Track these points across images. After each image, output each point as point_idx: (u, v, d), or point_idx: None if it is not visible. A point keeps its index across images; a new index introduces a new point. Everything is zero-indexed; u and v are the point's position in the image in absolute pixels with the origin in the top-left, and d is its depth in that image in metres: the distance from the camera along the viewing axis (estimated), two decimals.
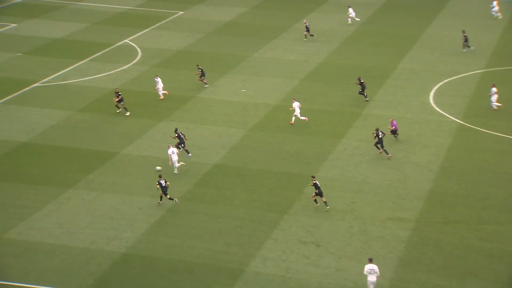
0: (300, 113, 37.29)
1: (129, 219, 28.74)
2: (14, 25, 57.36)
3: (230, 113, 39.03)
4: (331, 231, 27.58)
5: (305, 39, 51.54)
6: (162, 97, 41.24)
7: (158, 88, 41.25)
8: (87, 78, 44.88)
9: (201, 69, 43.10)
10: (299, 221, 28.25)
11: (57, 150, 35.02)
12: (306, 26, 51.99)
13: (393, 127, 34.71)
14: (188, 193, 30.86)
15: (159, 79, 41.53)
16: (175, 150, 32.82)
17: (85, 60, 48.48)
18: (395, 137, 35.01)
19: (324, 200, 29.35)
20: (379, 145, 33.61)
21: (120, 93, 39.30)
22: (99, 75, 45.44)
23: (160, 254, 26.31)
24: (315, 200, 29.47)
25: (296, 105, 37.35)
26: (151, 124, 38.03)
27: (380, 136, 33.50)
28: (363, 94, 40.02)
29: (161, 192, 29.54)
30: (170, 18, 58.61)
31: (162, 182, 29.75)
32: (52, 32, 55.26)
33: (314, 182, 29.27)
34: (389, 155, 33.61)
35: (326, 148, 34.73)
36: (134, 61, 48.36)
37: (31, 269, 25.34)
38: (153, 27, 56.35)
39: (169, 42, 52.32)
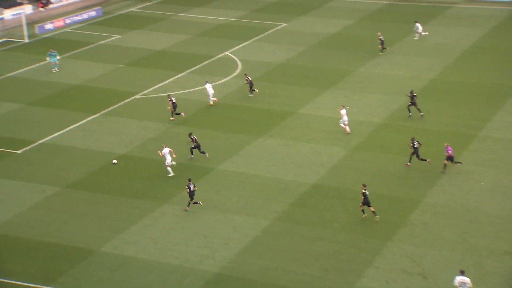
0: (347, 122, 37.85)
1: (223, 238, 28.87)
2: (117, 36, 59.46)
3: (332, 131, 38.73)
4: (440, 262, 26.64)
5: (381, 53, 51.34)
6: (211, 103, 42.24)
7: (208, 94, 42.34)
8: (186, 91, 45.59)
9: (249, 79, 43.57)
10: (404, 250, 27.51)
11: (154, 164, 35.49)
12: (381, 39, 51.63)
13: (448, 152, 33.33)
14: (284, 213, 30.64)
15: (209, 85, 42.53)
16: (169, 150, 33.51)
17: (185, 72, 49.42)
18: (455, 163, 33.74)
19: (373, 209, 29.13)
20: (413, 155, 33.40)
21: (173, 99, 40.38)
22: (198, 88, 46.08)
23: (254, 276, 26.25)
24: (362, 211, 29.45)
25: (344, 112, 37.90)
26: (249, 140, 38.23)
27: (415, 146, 33.22)
28: (417, 109, 39.83)
29: (189, 197, 30.10)
30: (273, 30, 59.28)
31: (191, 186, 30.36)
32: (154, 44, 56.80)
33: (364, 191, 29.09)
34: (408, 163, 33.52)
35: (436, 171, 33.89)
36: (234, 74, 48.88)
37: (125, 285, 25.86)
38: (254, 39, 56.94)
39: (270, 55, 52.85)
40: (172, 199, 32.10)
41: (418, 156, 33.48)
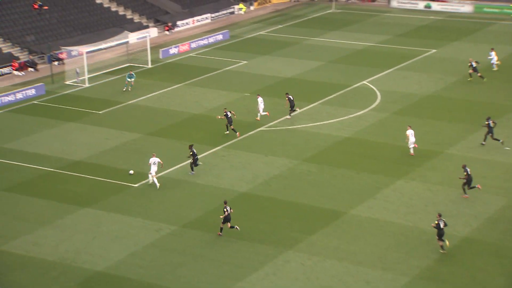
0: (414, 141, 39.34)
1: None
2: (244, 62, 60.77)
3: (489, 176, 37.25)
4: None
5: (469, 78, 50.86)
6: (258, 118, 45.13)
7: (259, 109, 45.18)
8: (316, 124, 45.58)
9: (290, 97, 45.31)
10: None
11: (277, 204, 35.32)
12: (472, 65, 51.25)
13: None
14: (427, 270, 29.40)
15: (261, 99, 45.47)
16: (156, 161, 35.94)
17: (316, 103, 49.49)
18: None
19: (442, 243, 29.89)
20: (465, 187, 34.56)
21: (229, 113, 42.94)
22: (330, 121, 45.94)
23: None
24: (441, 246, 30.17)
25: (410, 133, 39.76)
26: (387, 182, 37.49)
27: (469, 172, 34.31)
28: (497, 140, 40.39)
29: (222, 221, 30.91)
30: (419, 57, 58.67)
31: (228, 208, 31.09)
32: (283, 70, 57.75)
33: (438, 221, 30.10)
34: (467, 195, 34.65)
35: None
36: (372, 106, 48.49)
37: None
38: (397, 67, 56.47)
39: (416, 86, 52.06)
40: (297, 245, 31.43)
41: (469, 186, 34.74)
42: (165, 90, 53.76)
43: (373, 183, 37.30)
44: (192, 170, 38.40)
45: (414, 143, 40.03)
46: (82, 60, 56.95)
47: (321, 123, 45.73)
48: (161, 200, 36.00)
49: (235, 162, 40.42)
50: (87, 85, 55.72)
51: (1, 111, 50.16)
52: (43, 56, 62.78)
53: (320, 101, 49.73)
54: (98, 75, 58.04)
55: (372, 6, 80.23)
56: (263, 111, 45.47)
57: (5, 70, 59.43)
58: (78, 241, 32.41)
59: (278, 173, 38.69)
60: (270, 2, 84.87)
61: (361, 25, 70.86)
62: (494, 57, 54.11)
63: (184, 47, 65.39)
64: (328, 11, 78.45)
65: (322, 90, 52.06)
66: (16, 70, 59.63)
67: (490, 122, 40.09)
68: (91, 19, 69.78)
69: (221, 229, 32.03)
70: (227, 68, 59.11)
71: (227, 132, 43.34)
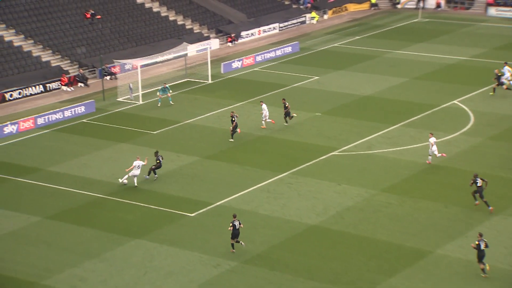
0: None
1: None
2: (315, 77, 61.42)
3: None
4: None
5: (491, 93, 52.04)
6: (264, 126, 48.55)
7: (263, 116, 48.47)
8: (398, 148, 45.32)
9: (286, 105, 48.55)
10: None
11: (351, 239, 34.97)
12: (498, 76, 52.53)
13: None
14: None
15: (264, 106, 48.83)
16: (141, 164, 39.84)
17: (397, 125, 49.38)
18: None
19: (483, 266, 30.73)
20: (476, 195, 36.61)
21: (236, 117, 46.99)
22: (413, 145, 45.70)
23: None
24: (482, 270, 30.93)
25: (432, 140, 41.45)
26: (481, 218, 36.75)
27: (478, 184, 36.22)
28: None
29: (232, 236, 32.60)
30: None
31: (236, 223, 32.79)
32: (360, 87, 57.97)
33: (478, 241, 31.02)
34: (491, 207, 36.73)
35: None
36: (463, 130, 48.15)
37: None
38: (493, 84, 55.45)
39: None
40: (375, 287, 30.94)
41: (482, 196, 36.89)
42: (226, 108, 54.25)
43: (464, 218, 36.60)
44: (148, 175, 41.38)
45: (440, 153, 41.71)
46: (136, 74, 57.69)
47: (403, 148, 45.56)
48: (220, 232, 35.66)
49: (303, 191, 40.11)
50: (140, 102, 56.52)
51: (48, 130, 50.88)
52: (94, 70, 63.63)
53: (403, 123, 49.66)
54: (153, 91, 58.45)
55: (466, 14, 79.35)
56: (268, 118, 48.89)
57: (54, 85, 60.47)
58: (128, 277, 32.36)
59: (352, 204, 38.32)
60: (346, 10, 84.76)
61: (452, 36, 70.50)
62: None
63: (248, 61, 66.06)
64: (414, 20, 78.16)
65: (405, 110, 51.97)
66: (65, 85, 60.64)
67: None
68: (147, 29, 70.63)
69: (233, 245, 33.45)
70: (296, 85, 59.59)
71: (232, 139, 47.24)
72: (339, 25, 78.41)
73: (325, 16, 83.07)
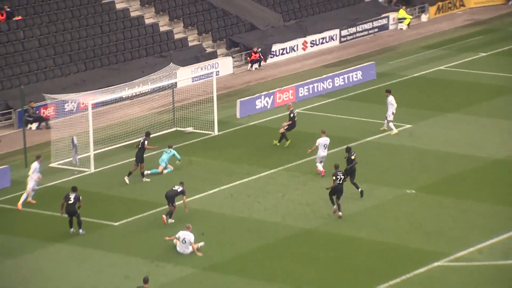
0: None
1: None
2: (405, 125, 62.63)
3: None
4: None
5: None
6: (384, 126, 55.72)
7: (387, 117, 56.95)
8: None
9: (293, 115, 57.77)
10: None
11: None
12: None
13: None
14: None
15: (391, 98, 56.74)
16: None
17: None
18: None
19: None
20: None
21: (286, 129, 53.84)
22: None
23: None
24: None
25: None
26: None
27: None
28: None
29: None
30: None
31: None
32: (483, 145, 59.28)
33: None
34: None
35: None
36: None
37: None
38: None
39: None
40: None
41: None
42: (245, 180, 55.56)
43: None
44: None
45: None
46: (84, 121, 58.15)
47: None
48: None
49: None
50: (92, 170, 57.48)
51: None
52: (8, 113, 64.23)
53: None
54: (115, 149, 59.83)
55: None
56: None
57: None
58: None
59: None
60: (462, 6, 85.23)
61: None
62: None
63: (284, 96, 66.65)
64: None
65: None
66: None
67: None
68: (106, 40, 71.72)
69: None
70: (371, 138, 60.70)
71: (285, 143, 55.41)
72: (449, 33, 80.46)
73: (424, 17, 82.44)
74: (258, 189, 54.35)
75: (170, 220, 50.16)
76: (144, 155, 54.81)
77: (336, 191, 50.33)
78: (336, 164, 50.08)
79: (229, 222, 51.20)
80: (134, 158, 54.89)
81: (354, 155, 52.90)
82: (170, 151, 56.52)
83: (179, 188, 51.38)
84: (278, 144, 59.24)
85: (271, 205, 52.50)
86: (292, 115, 59.03)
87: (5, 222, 51.48)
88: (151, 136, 57.30)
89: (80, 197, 48.88)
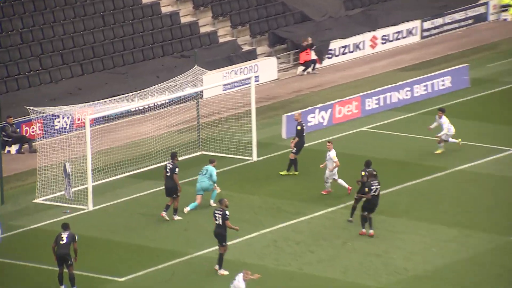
0: None
1: None
2: (508, 150, 63.33)
3: None
4: None
5: None
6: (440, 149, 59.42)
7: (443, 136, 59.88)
8: None
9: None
10: None
11: None
12: None
13: None
14: None
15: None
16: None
17: None
18: None
19: None
20: None
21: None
22: None
23: None
24: None
25: None
26: None
27: None
28: None
29: None
30: None
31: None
32: None
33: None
34: None
35: None
36: None
37: None
38: None
39: None
40: None
41: None
42: (292, 222, 55.97)
43: None
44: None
45: None
46: (80, 141, 59.16)
47: None
48: None
49: None
50: (90, 207, 58.02)
51: None
52: None
53: None
54: (120, 179, 60.87)
55: None
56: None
57: None
58: None
59: None
60: None
61: None
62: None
63: (345, 110, 67.98)
64: None
65: None
66: None
67: None
68: (110, 34, 73.86)
69: None
70: (463, 167, 61.37)
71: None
72: None
73: None
74: (310, 234, 54.37)
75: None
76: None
77: (371, 205, 51.82)
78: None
79: (271, 278, 50.89)
80: (164, 189, 55.11)
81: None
82: (206, 171, 56.91)
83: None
84: (289, 173, 60.56)
85: (327, 256, 52.40)
86: (299, 127, 59.88)
87: None
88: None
89: (76, 236, 48.38)
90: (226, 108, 67.24)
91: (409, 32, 77.44)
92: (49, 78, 67.48)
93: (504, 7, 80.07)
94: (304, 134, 60.10)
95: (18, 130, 63.12)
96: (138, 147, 63.23)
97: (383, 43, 76.72)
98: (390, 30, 77.17)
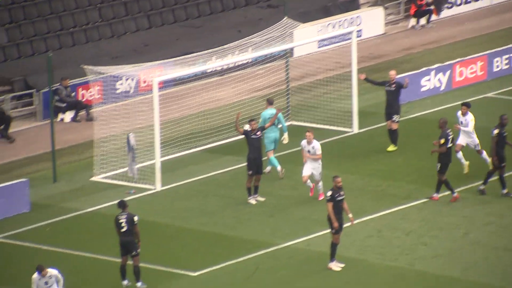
0: None
1: None
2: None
3: None
4: None
5: None
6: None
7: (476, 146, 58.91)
8: None
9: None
10: None
11: None
12: None
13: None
14: None
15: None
16: None
17: None
18: None
19: None
20: None
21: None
22: None
23: None
24: None
25: None
26: None
27: None
28: None
29: None
30: None
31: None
32: None
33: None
34: None
35: None
36: None
37: None
38: None
39: None
40: None
41: None
42: (400, 208, 57.02)
43: None
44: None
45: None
46: (146, 108, 60.86)
47: None
48: None
49: None
50: (158, 187, 59.38)
51: None
52: (29, 95, 67.36)
53: None
54: (194, 154, 62.15)
55: None
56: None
57: None
58: None
59: None
60: None
61: None
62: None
63: (467, 72, 69.60)
64: None
65: None
66: None
67: None
68: None
69: None
70: None
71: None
72: None
73: None
74: (423, 222, 54.79)
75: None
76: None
77: (445, 161, 53.47)
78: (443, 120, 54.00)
79: (375, 274, 51.58)
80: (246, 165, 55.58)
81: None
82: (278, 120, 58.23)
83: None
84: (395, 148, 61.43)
85: (444, 250, 52.72)
86: (392, 85, 60.82)
87: (25, 269, 50.74)
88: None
89: (135, 218, 48.54)
90: (322, 69, 67.68)
91: None
92: (110, 32, 67.94)
93: None
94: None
95: (73, 94, 63.74)
96: (215, 116, 64.15)
97: None
98: None
